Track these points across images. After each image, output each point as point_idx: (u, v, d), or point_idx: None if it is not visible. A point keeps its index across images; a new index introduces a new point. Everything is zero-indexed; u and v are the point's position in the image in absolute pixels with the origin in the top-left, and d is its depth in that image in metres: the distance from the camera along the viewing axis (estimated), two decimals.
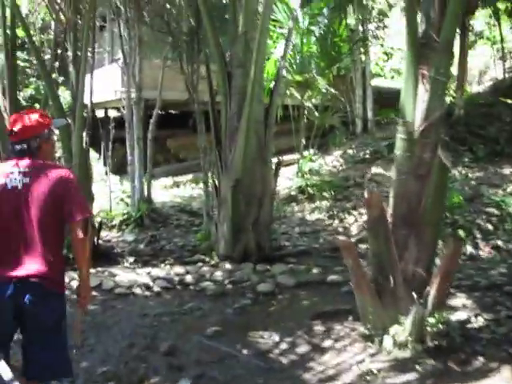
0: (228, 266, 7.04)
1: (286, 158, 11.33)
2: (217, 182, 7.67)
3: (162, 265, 7.32)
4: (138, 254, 8.01)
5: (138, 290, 6.22)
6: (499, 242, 8.40)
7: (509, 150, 12.12)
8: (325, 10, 11.35)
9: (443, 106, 4.71)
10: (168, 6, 8.61)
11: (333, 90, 12.50)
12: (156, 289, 6.27)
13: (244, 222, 7.19)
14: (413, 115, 4.76)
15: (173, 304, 5.82)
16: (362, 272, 4.80)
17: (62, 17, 7.93)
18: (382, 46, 18.69)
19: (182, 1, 8.40)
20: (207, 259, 7.44)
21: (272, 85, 8.12)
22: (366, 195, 4.70)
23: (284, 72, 8.40)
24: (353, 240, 8.64)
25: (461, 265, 6.50)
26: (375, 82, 17.88)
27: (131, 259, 7.56)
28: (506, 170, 11.25)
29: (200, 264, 7.23)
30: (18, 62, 14.10)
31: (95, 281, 6.37)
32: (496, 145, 12.05)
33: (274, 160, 8.00)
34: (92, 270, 6.83)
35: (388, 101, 17.00)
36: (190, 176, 14.10)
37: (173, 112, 18.96)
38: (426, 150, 4.74)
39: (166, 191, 12.90)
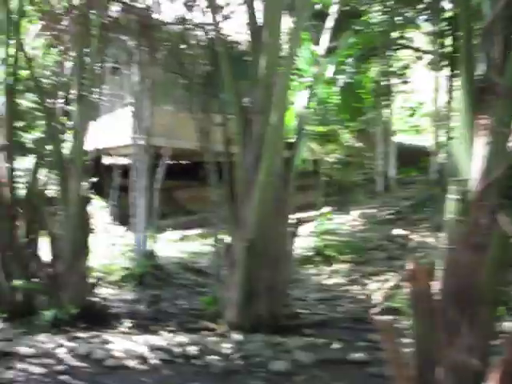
0: (237, 336, 6.16)
1: (303, 215, 10.59)
2: (228, 240, 6.88)
3: (163, 332, 6.45)
4: (137, 316, 7.16)
5: (132, 363, 5.36)
6: None
7: None
8: (349, 60, 10.79)
9: (506, 163, 3.91)
10: (183, 46, 7.99)
11: (358, 144, 11.86)
12: (153, 361, 5.40)
13: (257, 287, 6.38)
14: (468, 172, 3.97)
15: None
16: (402, 361, 3.95)
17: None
18: (405, 101, 18.14)
19: (199, 42, 7.84)
20: (213, 327, 6.59)
21: (294, 136, 7.39)
22: (408, 266, 3.85)
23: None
24: (376, 310, 7.82)
25: None
26: (397, 138, 17.30)
27: (128, 323, 6.71)
28: None
29: (205, 332, 6.37)
30: (28, 103, 13.70)
31: (85, 348, 5.58)
32: None
33: (292, 217, 7.21)
34: (83, 335, 6.05)
35: (410, 158, 16.46)
36: (198, 231, 13.31)
37: (182, 162, 18.42)
38: (484, 214, 3.94)
39: (172, 245, 12.07)
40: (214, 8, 7.05)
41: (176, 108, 9.34)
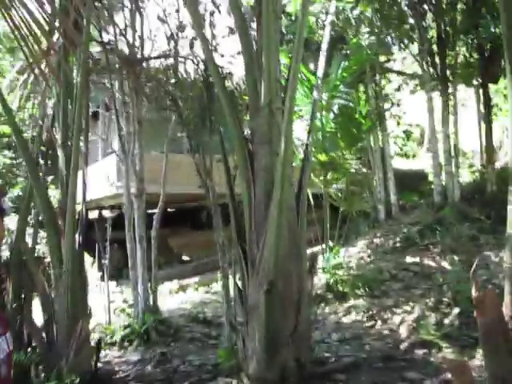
0: None
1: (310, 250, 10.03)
2: (241, 284, 6.27)
3: None
4: (147, 378, 6.45)
5: None
6: None
7: None
8: (342, 85, 10.41)
9: None
10: (172, 81, 7.48)
11: (364, 170, 11.39)
12: None
13: (280, 334, 5.74)
14: None
15: None
16: None
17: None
18: (398, 124, 17.80)
19: (189, 74, 7.36)
20: (235, 382, 5.93)
21: (299, 166, 6.89)
22: (474, 293, 3.31)
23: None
24: (405, 345, 7.22)
25: None
26: (394, 163, 16.94)
27: None
28: None
29: None
30: (5, 160, 13.12)
31: None
32: None
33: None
34: None
35: (409, 183, 16.11)
36: (196, 278, 12.64)
37: (170, 209, 17.92)
38: None
39: (173, 297, 11.34)
40: (204, 38, 6.59)
41: (168, 150, 8.79)
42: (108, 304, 8.71)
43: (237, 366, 6.21)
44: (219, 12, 7.77)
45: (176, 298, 11.21)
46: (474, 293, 3.48)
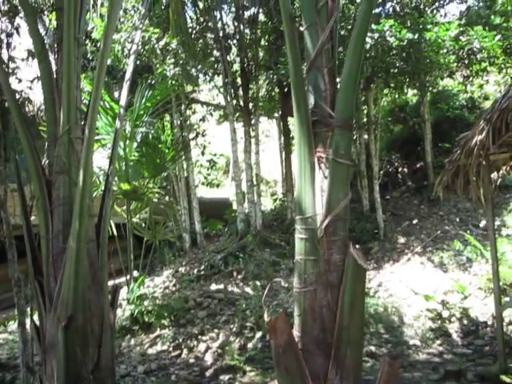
0: None
1: (113, 282, 9.79)
2: (38, 321, 5.93)
3: None
4: None
5: None
6: (372, 348, 7.68)
7: None
8: (146, 114, 10.39)
9: (348, 195, 3.82)
10: None
11: (167, 199, 11.34)
12: None
13: (81, 371, 5.51)
14: (313, 209, 3.79)
15: None
16: None
17: None
18: (203, 153, 18.05)
19: None
20: None
21: (99, 196, 6.72)
22: (266, 318, 3.52)
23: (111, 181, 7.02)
24: (211, 372, 7.34)
25: None
26: (199, 192, 17.20)
27: None
28: None
29: None
30: None
31: None
32: None
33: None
34: None
35: (214, 211, 16.47)
36: None
37: None
38: (334, 250, 3.76)
39: None
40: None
41: None
42: None
43: None
44: (18, 34, 7.41)
45: None
46: (265, 318, 3.67)
